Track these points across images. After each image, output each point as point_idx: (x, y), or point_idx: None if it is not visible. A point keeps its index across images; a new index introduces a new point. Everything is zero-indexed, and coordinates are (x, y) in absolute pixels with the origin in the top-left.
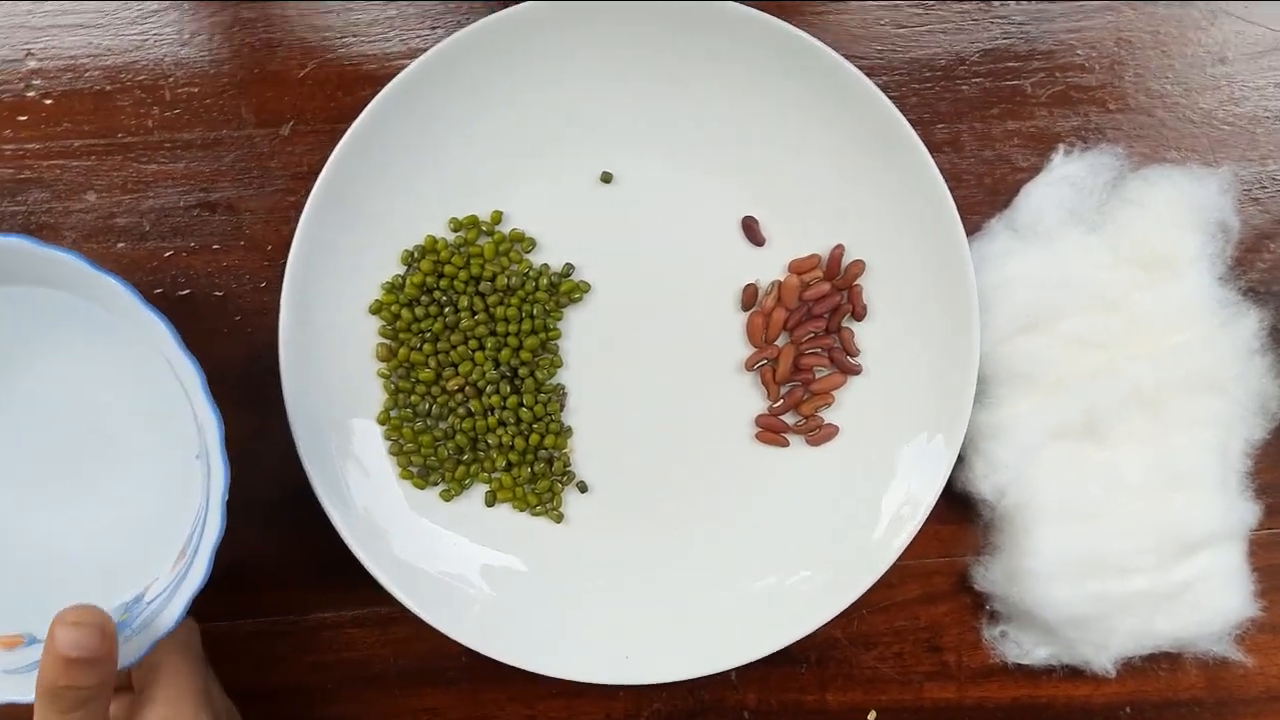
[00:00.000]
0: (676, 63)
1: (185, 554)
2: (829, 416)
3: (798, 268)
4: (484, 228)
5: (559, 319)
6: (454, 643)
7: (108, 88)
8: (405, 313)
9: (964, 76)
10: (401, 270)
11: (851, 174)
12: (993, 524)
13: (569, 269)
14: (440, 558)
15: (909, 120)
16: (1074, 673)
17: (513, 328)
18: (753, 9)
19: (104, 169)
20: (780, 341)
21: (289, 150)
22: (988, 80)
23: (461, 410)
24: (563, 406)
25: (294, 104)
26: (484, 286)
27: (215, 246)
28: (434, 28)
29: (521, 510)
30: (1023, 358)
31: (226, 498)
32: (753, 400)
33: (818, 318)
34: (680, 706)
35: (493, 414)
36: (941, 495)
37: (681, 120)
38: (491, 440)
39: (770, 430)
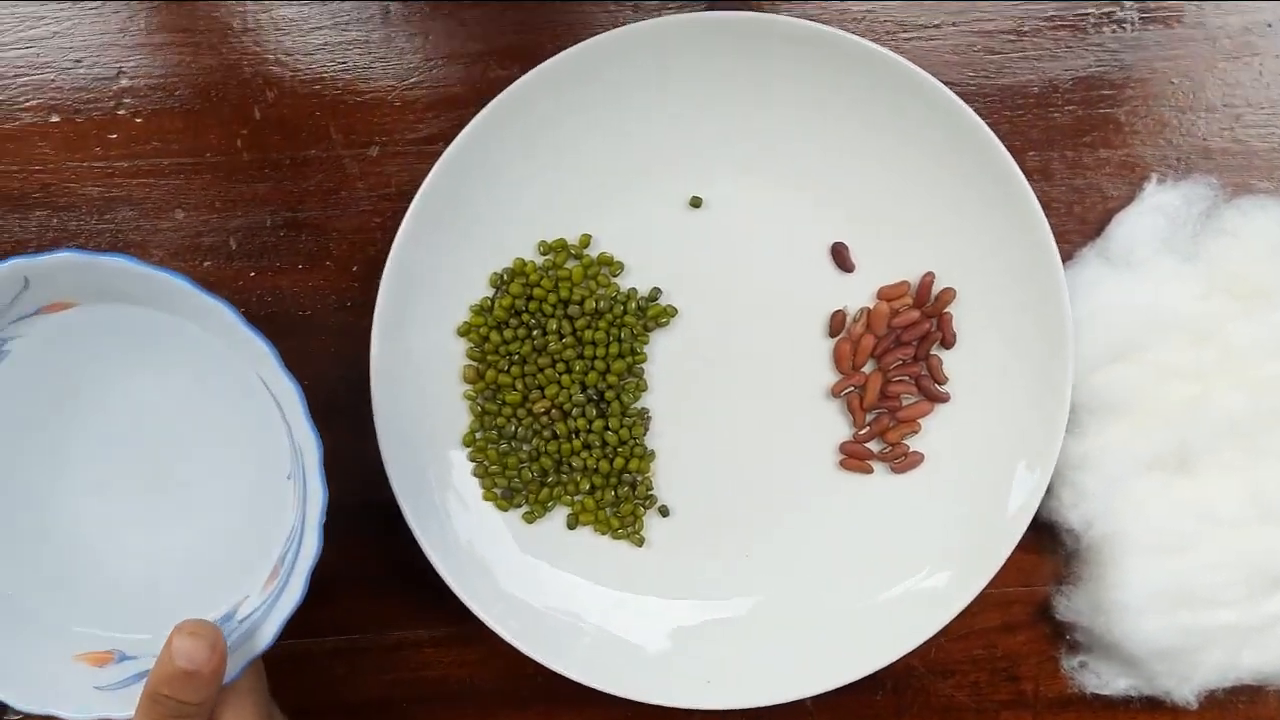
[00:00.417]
0: (769, 87)
1: (278, 573)
2: (914, 444)
3: (887, 294)
4: (572, 251)
5: (645, 343)
6: (529, 663)
7: (198, 107)
8: (494, 335)
9: (1056, 104)
10: (489, 292)
11: (944, 200)
12: (1077, 554)
13: (656, 293)
14: (542, 590)
15: None
16: (1153, 704)
17: (600, 351)
18: (848, 34)
19: (192, 188)
20: (867, 368)
21: (376, 171)
22: (1080, 108)
23: (547, 433)
24: (646, 430)
25: (382, 125)
26: (572, 310)
27: (300, 266)
28: None
29: (603, 533)
30: (1113, 387)
31: (324, 519)
32: (837, 427)
33: (906, 345)
34: None
35: (578, 437)
36: None
37: (772, 144)
38: (576, 463)
39: (854, 457)
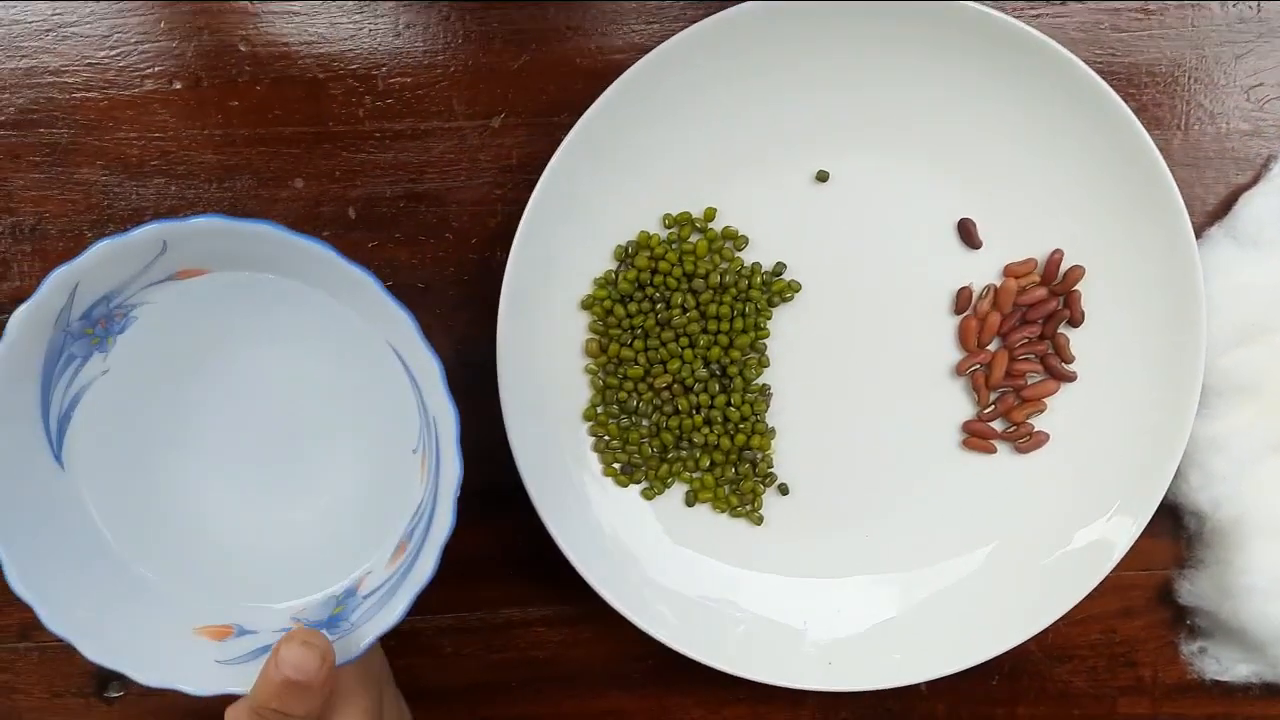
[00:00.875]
0: (897, 61)
1: (404, 549)
2: (1039, 424)
3: (1014, 271)
4: (697, 224)
5: (768, 318)
6: (640, 644)
7: (320, 76)
8: (618, 309)
9: (1182, 81)
10: (613, 266)
11: (1074, 177)
12: (1200, 537)
13: (780, 268)
14: (691, 580)
15: None
16: (1272, 690)
17: (724, 325)
18: (983, 6)
19: (312, 157)
20: (992, 346)
21: (498, 143)
22: (1204, 86)
23: (668, 408)
24: (768, 406)
25: (506, 96)
26: (696, 284)
27: (420, 238)
28: (649, 22)
29: (721, 511)
30: (1243, 370)
31: (459, 494)
32: (960, 406)
33: (1032, 323)
34: (867, 715)
35: (698, 412)
36: None
37: (900, 119)
38: (697, 439)
39: (978, 436)
